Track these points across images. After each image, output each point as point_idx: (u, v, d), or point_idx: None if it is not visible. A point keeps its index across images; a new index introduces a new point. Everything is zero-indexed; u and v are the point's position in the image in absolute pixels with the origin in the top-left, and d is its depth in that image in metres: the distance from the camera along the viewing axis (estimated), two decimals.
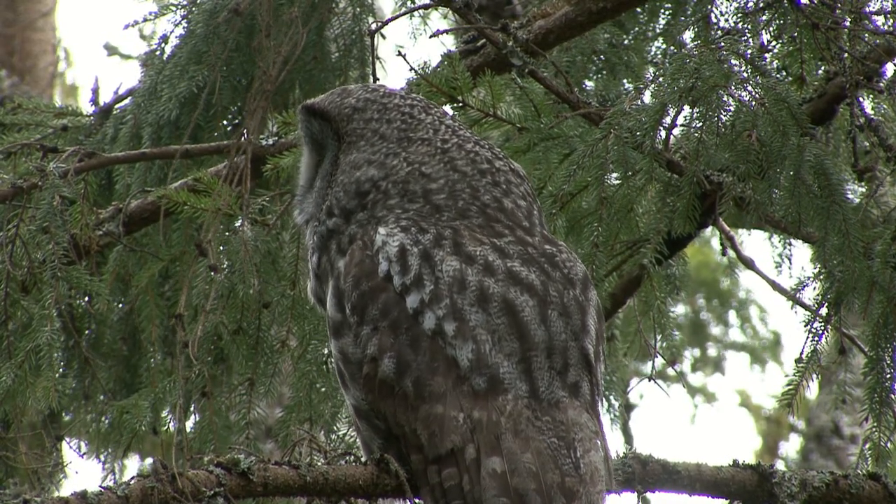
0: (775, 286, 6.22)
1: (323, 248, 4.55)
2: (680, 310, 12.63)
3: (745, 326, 13.69)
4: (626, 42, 6.90)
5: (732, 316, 13.67)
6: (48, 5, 11.47)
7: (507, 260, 4.30)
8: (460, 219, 4.40)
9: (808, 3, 5.93)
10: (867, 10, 5.93)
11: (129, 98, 6.77)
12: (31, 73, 11.30)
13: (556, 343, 4.23)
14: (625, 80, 6.87)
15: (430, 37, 6.03)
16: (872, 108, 5.97)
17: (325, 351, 6.20)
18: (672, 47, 6.64)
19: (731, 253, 6.27)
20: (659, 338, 6.15)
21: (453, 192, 4.46)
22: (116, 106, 6.81)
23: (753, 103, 5.74)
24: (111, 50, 14.14)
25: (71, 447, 6.60)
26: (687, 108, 5.80)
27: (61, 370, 5.98)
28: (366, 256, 4.35)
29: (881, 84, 5.88)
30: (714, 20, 6.34)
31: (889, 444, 5.59)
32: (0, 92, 10.83)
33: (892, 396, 5.57)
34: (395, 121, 4.57)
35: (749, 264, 6.37)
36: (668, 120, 5.79)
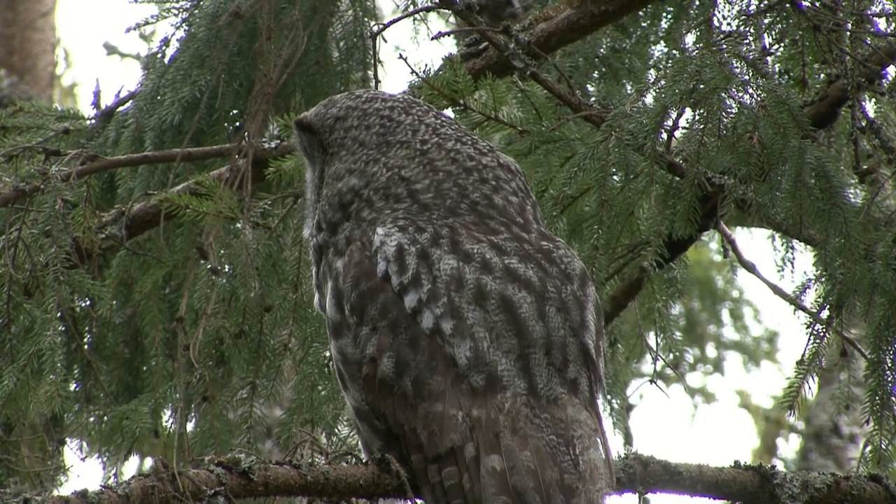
0: (776, 290, 6.22)
1: (318, 261, 4.56)
2: (678, 310, 12.63)
3: (738, 326, 13.70)
4: (628, 46, 6.89)
5: (726, 315, 13.69)
6: (48, 5, 11.47)
7: (505, 257, 4.29)
8: (452, 216, 4.40)
9: (809, 5, 5.93)
10: (869, 12, 5.93)
11: (131, 101, 6.77)
12: (30, 73, 11.31)
13: (555, 339, 4.22)
14: (627, 84, 6.86)
15: (432, 39, 6.03)
16: (874, 111, 5.97)
17: (327, 353, 6.20)
18: (674, 51, 6.63)
19: (732, 256, 6.28)
20: (660, 340, 6.15)
21: (440, 192, 4.44)
22: (118, 109, 6.81)
23: (755, 106, 5.74)
24: (111, 50, 14.16)
25: (72, 450, 6.60)
26: (688, 111, 5.81)
27: (63, 373, 5.98)
28: (364, 257, 4.35)
29: (883, 86, 5.88)
30: (716, 23, 6.34)
31: (890, 447, 5.58)
32: None
33: (893, 399, 5.57)
34: (373, 126, 4.55)
35: (750, 268, 6.37)
36: (669, 122, 5.79)
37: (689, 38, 6.56)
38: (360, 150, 4.54)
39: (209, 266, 6.16)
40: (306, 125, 4.66)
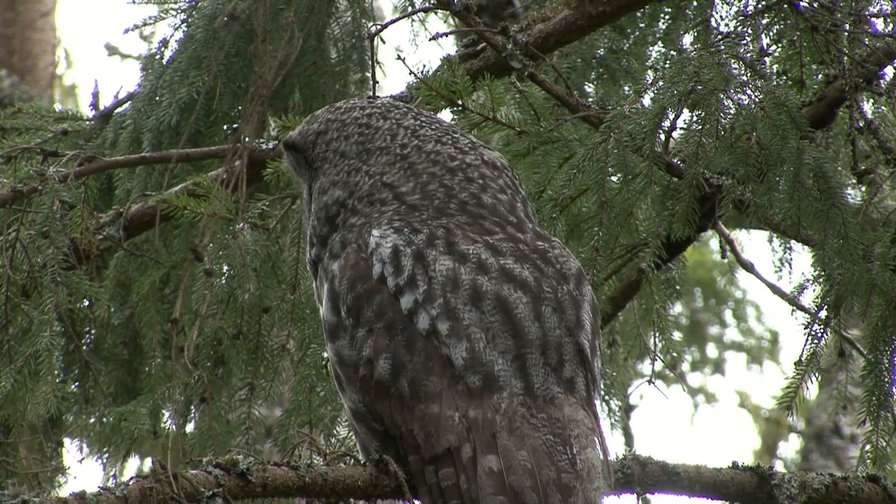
0: (775, 290, 6.22)
1: (316, 275, 4.56)
2: (678, 309, 12.62)
3: (741, 326, 13.70)
4: (625, 47, 6.89)
5: (729, 315, 13.69)
6: (48, 5, 11.47)
7: (501, 257, 4.28)
8: (443, 217, 4.39)
9: (807, 6, 5.93)
10: (867, 13, 5.93)
11: (129, 102, 6.77)
12: (30, 73, 11.31)
13: (551, 339, 4.21)
14: (625, 85, 6.86)
15: (430, 39, 6.03)
16: (872, 112, 5.97)
17: (325, 355, 6.20)
18: (672, 52, 6.63)
19: (730, 256, 6.28)
20: (658, 341, 6.14)
21: (426, 193, 4.44)
22: (116, 110, 6.81)
23: (753, 107, 5.74)
24: (111, 50, 14.16)
25: (70, 451, 6.60)
26: (686, 112, 5.80)
27: (61, 375, 5.97)
28: (360, 259, 4.34)
29: (881, 87, 5.88)
30: (714, 24, 6.33)
31: (888, 447, 5.58)
32: (0, 92, 10.86)
33: (891, 399, 5.57)
34: (352, 135, 4.55)
35: (749, 268, 6.38)
36: (667, 123, 5.79)
37: (687, 39, 6.55)
38: (342, 161, 4.53)
39: (204, 267, 6.16)
40: (292, 145, 4.67)
